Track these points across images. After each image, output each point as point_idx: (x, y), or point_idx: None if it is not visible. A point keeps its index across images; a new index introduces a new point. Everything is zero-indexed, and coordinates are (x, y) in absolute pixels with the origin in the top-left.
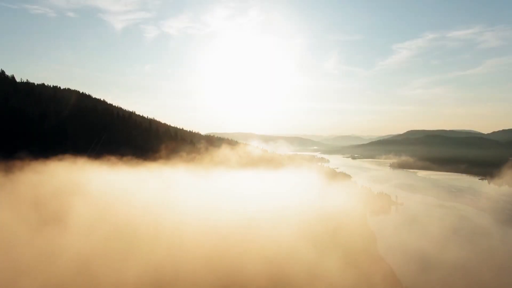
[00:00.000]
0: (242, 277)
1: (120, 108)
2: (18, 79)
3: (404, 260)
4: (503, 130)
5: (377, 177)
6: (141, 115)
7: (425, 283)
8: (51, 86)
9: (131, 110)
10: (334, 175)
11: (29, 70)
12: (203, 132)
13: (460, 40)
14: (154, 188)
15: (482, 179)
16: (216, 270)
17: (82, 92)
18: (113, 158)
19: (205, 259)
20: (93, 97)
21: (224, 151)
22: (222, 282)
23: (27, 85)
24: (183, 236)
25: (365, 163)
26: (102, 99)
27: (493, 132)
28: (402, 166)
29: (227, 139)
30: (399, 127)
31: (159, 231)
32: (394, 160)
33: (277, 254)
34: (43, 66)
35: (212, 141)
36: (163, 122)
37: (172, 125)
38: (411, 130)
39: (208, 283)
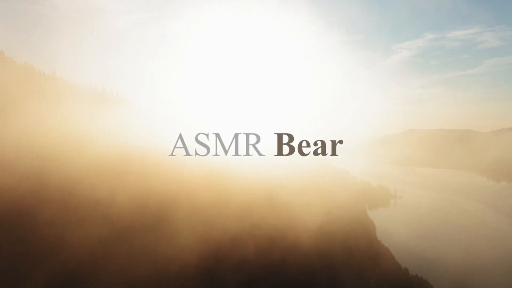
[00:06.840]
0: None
1: None
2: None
3: (401, 245)
4: (502, 129)
5: (377, 174)
6: None
7: (421, 264)
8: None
9: None
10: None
11: None
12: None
13: (460, 40)
14: None
15: (481, 175)
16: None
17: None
18: None
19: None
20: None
21: None
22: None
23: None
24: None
25: (366, 161)
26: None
27: (492, 131)
28: (402, 163)
29: None
30: (399, 126)
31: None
32: (393, 157)
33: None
34: (43, 66)
35: None
36: None
37: None
38: (411, 129)
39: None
